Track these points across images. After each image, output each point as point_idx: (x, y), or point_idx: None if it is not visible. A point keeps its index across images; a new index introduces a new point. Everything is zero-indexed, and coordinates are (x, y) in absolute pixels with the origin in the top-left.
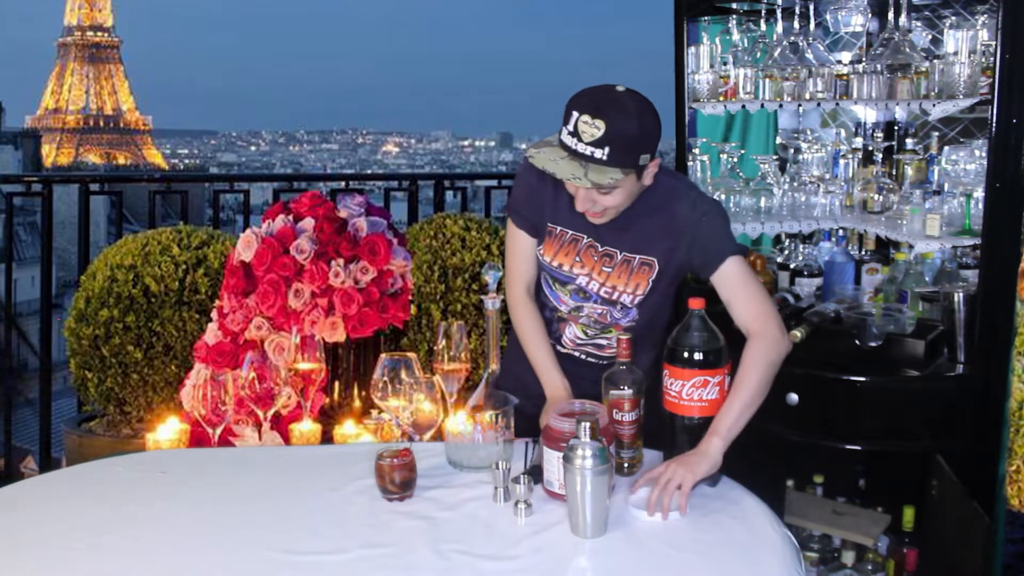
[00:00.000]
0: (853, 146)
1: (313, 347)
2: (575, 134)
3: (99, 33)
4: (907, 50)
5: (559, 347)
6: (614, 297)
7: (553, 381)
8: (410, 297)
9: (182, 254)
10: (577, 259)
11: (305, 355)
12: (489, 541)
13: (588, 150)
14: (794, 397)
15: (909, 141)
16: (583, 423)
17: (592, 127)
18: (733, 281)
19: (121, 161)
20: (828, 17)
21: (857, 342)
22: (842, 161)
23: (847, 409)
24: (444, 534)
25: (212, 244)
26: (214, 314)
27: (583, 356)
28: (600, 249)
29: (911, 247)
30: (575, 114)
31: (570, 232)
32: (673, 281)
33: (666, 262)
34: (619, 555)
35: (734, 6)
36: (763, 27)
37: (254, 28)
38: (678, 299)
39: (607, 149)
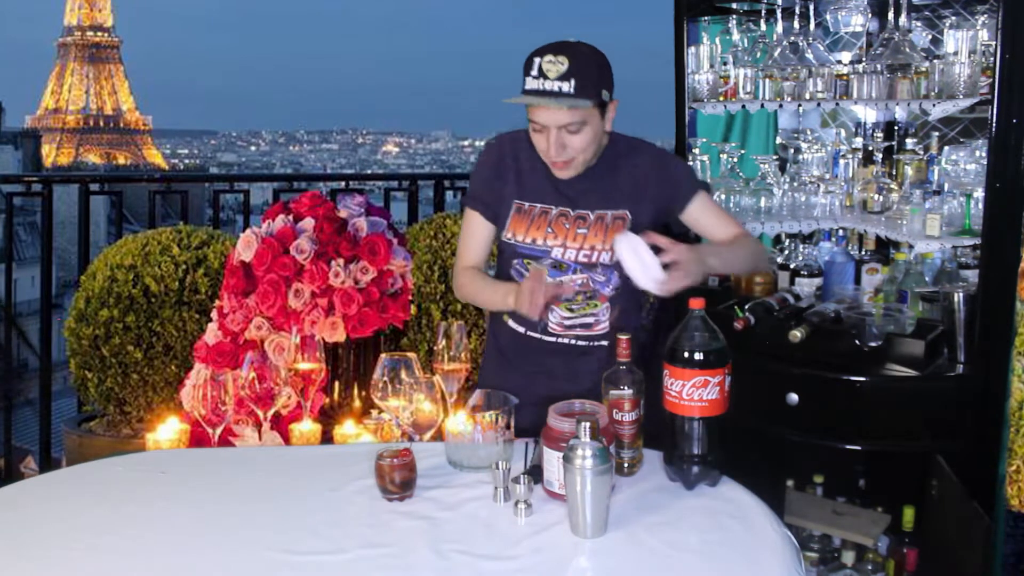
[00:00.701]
0: (853, 146)
1: (313, 347)
2: (541, 74)
3: (99, 33)
4: (907, 50)
5: (548, 338)
6: (593, 259)
7: (507, 286)
8: (410, 297)
9: (182, 254)
10: (549, 230)
11: (305, 355)
12: (489, 541)
13: (556, 85)
14: (794, 397)
15: (909, 141)
16: (583, 423)
17: (556, 64)
18: (709, 211)
19: (121, 161)
20: (828, 17)
21: (857, 342)
22: (842, 161)
23: (847, 409)
24: (444, 534)
25: (212, 244)
26: (214, 314)
27: (573, 341)
28: (572, 214)
29: (911, 247)
30: (536, 59)
31: (539, 206)
32: (650, 229)
33: (637, 212)
34: (619, 555)
35: (734, 6)
36: (763, 27)
37: (254, 28)
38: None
39: (573, 81)
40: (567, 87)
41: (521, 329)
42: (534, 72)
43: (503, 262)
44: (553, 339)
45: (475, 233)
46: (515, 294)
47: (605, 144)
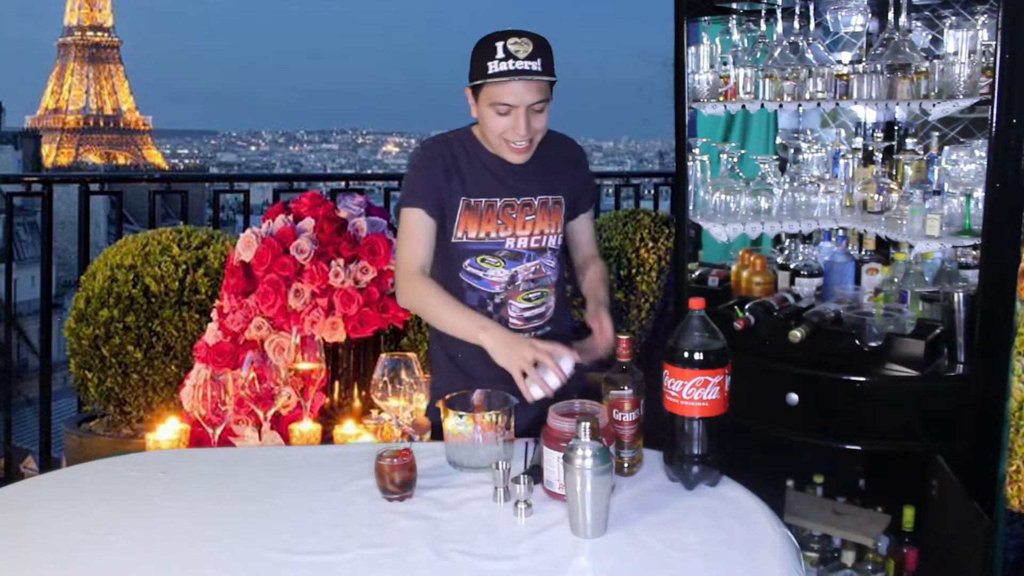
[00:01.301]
0: (853, 146)
1: (313, 347)
2: (509, 56)
3: (99, 33)
4: (907, 50)
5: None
6: (543, 244)
7: (479, 319)
8: None
9: (182, 254)
10: (499, 222)
11: (305, 355)
12: (489, 541)
13: (526, 64)
14: (794, 397)
15: (909, 141)
16: (583, 423)
17: (523, 44)
18: (590, 226)
19: (121, 161)
20: (828, 17)
21: (857, 342)
22: (842, 161)
23: (847, 409)
24: (444, 534)
25: (212, 244)
26: (214, 314)
27: (531, 333)
28: (518, 202)
29: (911, 247)
30: (499, 43)
31: (484, 200)
32: (566, 223)
33: (567, 196)
34: (619, 555)
35: (734, 6)
36: (763, 27)
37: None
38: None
39: (540, 60)
40: (536, 66)
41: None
42: (500, 55)
43: (449, 267)
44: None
45: (419, 232)
46: (502, 348)
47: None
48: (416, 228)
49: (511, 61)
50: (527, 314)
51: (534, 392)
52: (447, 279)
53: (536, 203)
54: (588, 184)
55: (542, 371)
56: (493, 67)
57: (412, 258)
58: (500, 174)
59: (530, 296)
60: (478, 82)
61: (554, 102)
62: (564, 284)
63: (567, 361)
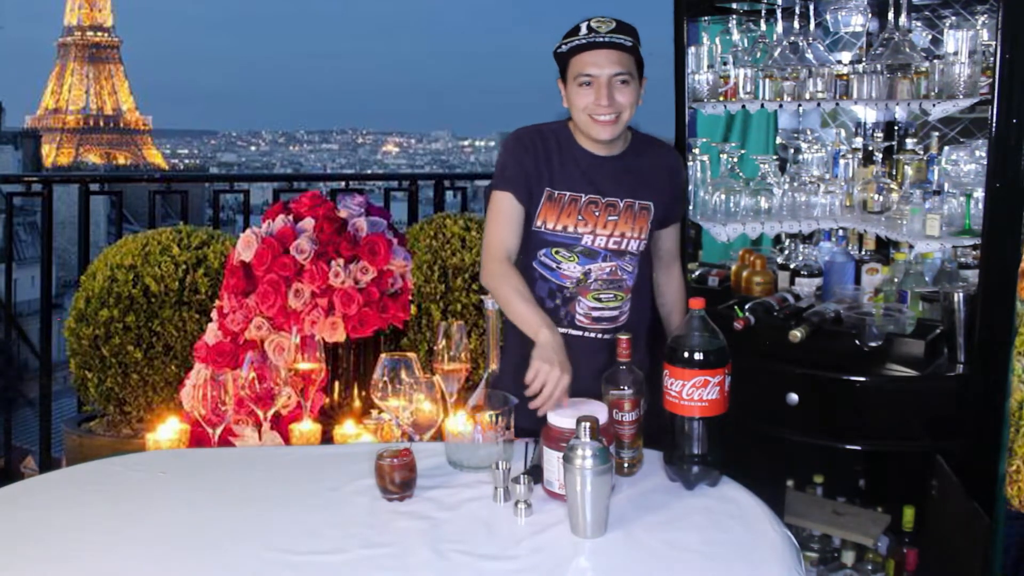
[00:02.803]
0: (853, 146)
1: (313, 347)
2: (592, 31)
3: (99, 33)
4: (907, 50)
5: (574, 332)
6: (622, 247)
7: (546, 319)
8: (410, 297)
9: (182, 254)
10: (580, 218)
11: (305, 355)
12: (489, 541)
13: (608, 37)
14: (794, 397)
15: (909, 141)
16: (583, 423)
17: (605, 22)
18: (675, 238)
19: (121, 161)
20: (828, 17)
21: (857, 342)
22: (842, 161)
23: (847, 409)
24: (444, 534)
25: (212, 244)
26: (214, 314)
27: (598, 335)
28: (603, 201)
29: (911, 247)
30: (583, 24)
31: (568, 193)
32: (654, 231)
33: (658, 204)
34: (619, 555)
35: (734, 6)
36: (763, 27)
37: (254, 28)
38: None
39: (623, 36)
40: (618, 38)
41: None
42: (583, 32)
43: (525, 253)
44: (580, 333)
45: (509, 216)
46: (547, 349)
47: (629, 137)
48: (505, 211)
49: (593, 35)
50: (595, 314)
51: (542, 407)
52: (521, 266)
53: (621, 205)
54: (681, 195)
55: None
56: (575, 41)
57: (499, 242)
58: (588, 171)
59: (601, 296)
60: (563, 53)
61: (553, 102)
62: (647, 293)
63: (600, 409)
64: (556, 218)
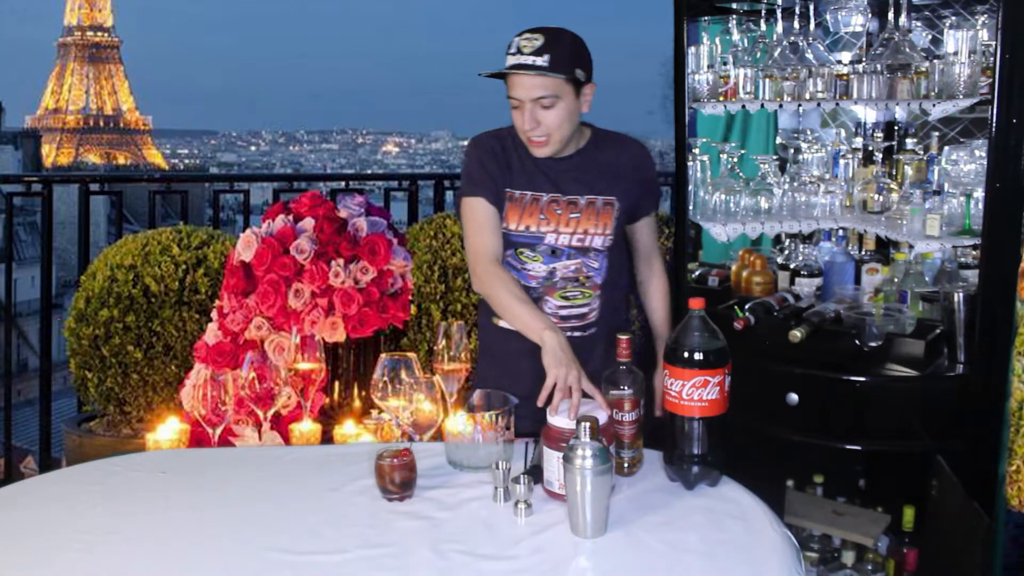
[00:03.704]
0: (853, 146)
1: (313, 347)
2: (517, 51)
3: (99, 33)
4: (907, 50)
5: None
6: (586, 243)
7: (548, 320)
8: (410, 297)
9: (182, 254)
10: (542, 217)
11: (305, 355)
12: (489, 541)
13: (529, 59)
14: (794, 397)
15: (909, 141)
16: (583, 423)
17: (532, 40)
18: (653, 231)
19: (121, 161)
20: (828, 17)
21: (857, 342)
22: (842, 161)
23: (847, 409)
24: (444, 534)
25: (212, 244)
26: (214, 314)
27: (568, 333)
28: (563, 199)
29: (911, 247)
30: (514, 42)
31: (530, 194)
32: (624, 223)
33: (623, 200)
34: (619, 555)
35: (734, 6)
36: (763, 27)
37: (254, 28)
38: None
39: (547, 56)
40: (540, 61)
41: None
42: (512, 50)
43: None
44: None
45: (486, 219)
46: (555, 352)
47: (588, 135)
48: (481, 215)
49: (517, 56)
50: (563, 312)
51: (552, 414)
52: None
53: (582, 202)
54: (652, 187)
55: (565, 403)
56: (505, 61)
57: (483, 247)
58: (547, 171)
59: (568, 295)
60: (492, 72)
61: None
62: (620, 289)
63: (601, 413)
64: (519, 219)
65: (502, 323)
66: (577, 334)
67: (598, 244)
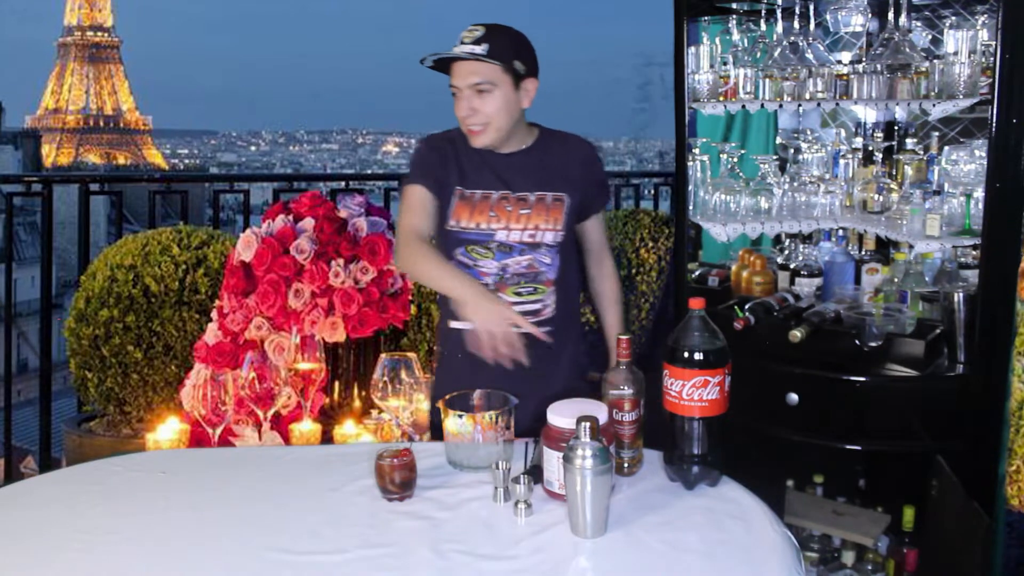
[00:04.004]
0: (853, 146)
1: (313, 347)
2: (459, 43)
3: (99, 33)
4: (907, 50)
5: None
6: (537, 239)
7: (473, 280)
8: (410, 297)
9: (182, 254)
10: (492, 214)
11: (305, 355)
12: (489, 541)
13: (468, 48)
14: (794, 397)
15: (909, 141)
16: (583, 423)
17: (472, 32)
18: (601, 229)
19: (121, 161)
20: (828, 17)
21: (857, 342)
22: (842, 161)
23: (847, 409)
24: (444, 534)
25: (212, 244)
26: (214, 314)
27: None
28: (513, 196)
29: (911, 247)
30: (461, 32)
31: (480, 192)
32: (575, 220)
33: (573, 197)
34: (619, 555)
35: (734, 6)
36: (763, 27)
37: (254, 28)
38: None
39: (485, 45)
40: (478, 49)
41: (469, 325)
42: (455, 44)
43: (444, 254)
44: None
45: (420, 204)
46: (474, 304)
47: (536, 133)
48: (417, 200)
49: (459, 47)
50: (517, 309)
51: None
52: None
53: (532, 198)
54: (600, 185)
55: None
56: (441, 55)
57: (412, 227)
58: (497, 168)
59: (520, 291)
60: (431, 55)
61: (554, 102)
62: (573, 285)
63: (600, 411)
64: (469, 216)
65: (455, 325)
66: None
67: (549, 240)
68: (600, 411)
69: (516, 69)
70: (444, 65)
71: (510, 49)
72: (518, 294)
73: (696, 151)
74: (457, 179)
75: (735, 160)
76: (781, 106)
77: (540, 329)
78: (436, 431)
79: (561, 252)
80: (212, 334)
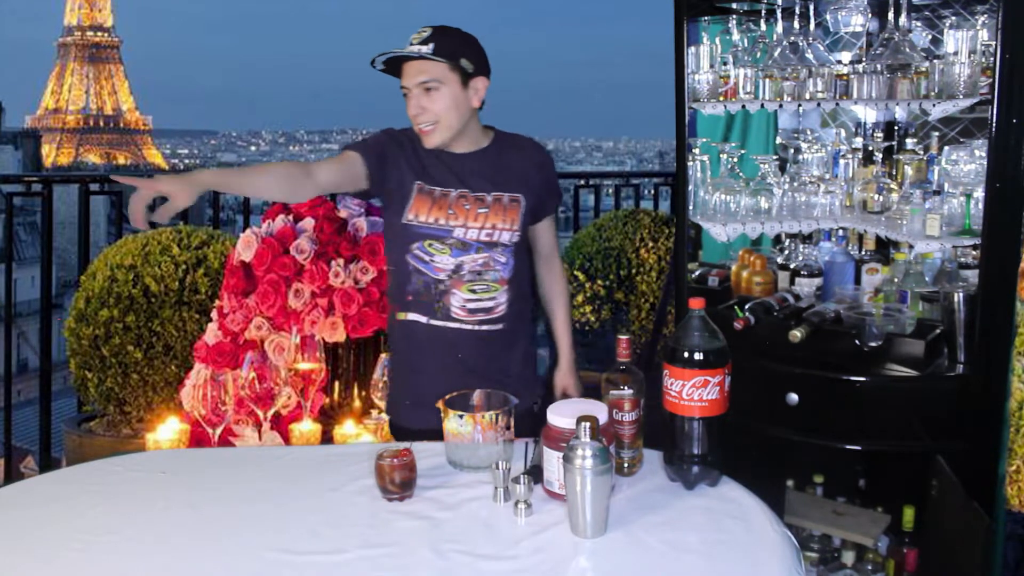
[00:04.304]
0: (853, 146)
1: (313, 347)
2: (408, 45)
3: (99, 33)
4: (907, 50)
5: (451, 324)
6: (494, 238)
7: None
8: None
9: (182, 254)
10: (451, 211)
11: (305, 355)
12: (489, 541)
13: (415, 49)
14: (794, 397)
15: (909, 141)
16: (583, 423)
17: (420, 33)
18: (552, 231)
19: (121, 161)
20: (828, 17)
21: (857, 342)
22: (842, 161)
23: (847, 409)
24: (444, 534)
25: (212, 244)
26: (214, 314)
27: (475, 326)
28: (471, 195)
29: (911, 247)
30: (410, 36)
31: (439, 188)
32: (529, 222)
33: (528, 197)
34: (619, 555)
35: (734, 6)
36: (763, 27)
37: (254, 28)
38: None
39: (432, 45)
40: (425, 49)
41: (423, 319)
42: (406, 45)
43: (399, 248)
44: (456, 325)
45: (338, 160)
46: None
47: (492, 135)
48: (340, 158)
49: (405, 48)
50: (471, 306)
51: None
52: (397, 260)
53: (489, 198)
54: (553, 188)
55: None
56: (389, 54)
57: (308, 163)
58: (455, 168)
59: (475, 288)
60: (381, 55)
61: (554, 101)
62: (525, 284)
63: (600, 409)
64: (428, 211)
65: (401, 316)
66: (486, 327)
67: (505, 239)
68: (600, 411)
69: (463, 67)
70: (396, 69)
71: (456, 48)
72: (472, 291)
73: (696, 151)
74: (417, 174)
75: (735, 160)
76: (781, 106)
77: (493, 327)
78: (398, 433)
79: (516, 253)
80: (212, 334)
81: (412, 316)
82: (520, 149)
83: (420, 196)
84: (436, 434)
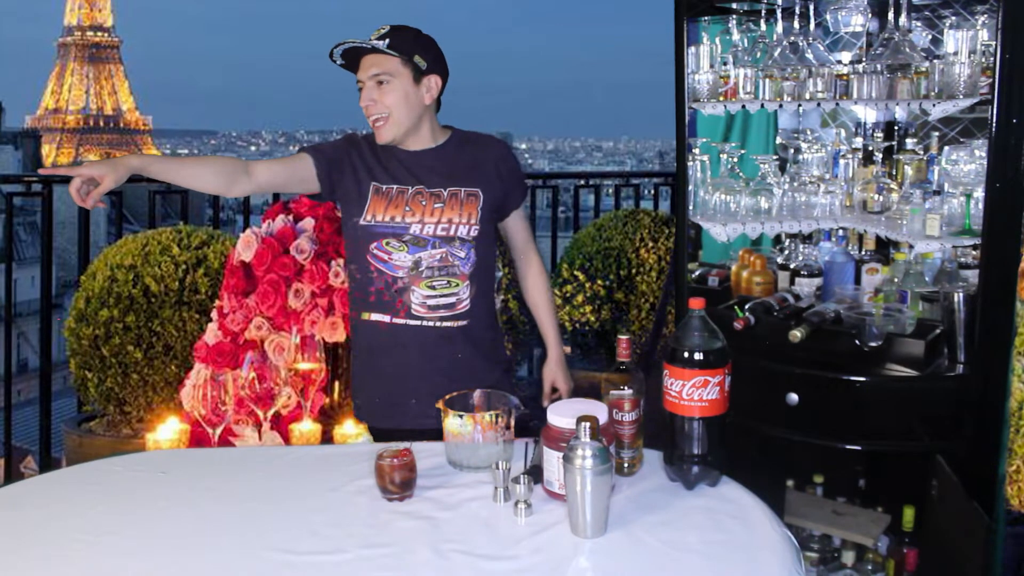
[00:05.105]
0: (853, 146)
1: (313, 347)
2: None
3: (99, 33)
4: (907, 50)
5: (412, 322)
6: (451, 233)
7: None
8: None
9: (182, 254)
10: (407, 208)
11: (305, 355)
12: (489, 541)
13: (372, 43)
14: (794, 397)
15: (909, 141)
16: (583, 423)
17: (379, 30)
18: (524, 224)
19: None
20: (828, 17)
21: (857, 342)
22: (842, 161)
23: (847, 409)
24: (444, 534)
25: (212, 244)
26: (214, 314)
27: (437, 323)
28: (427, 191)
29: (911, 247)
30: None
31: (396, 187)
32: (493, 217)
33: (487, 191)
34: (619, 555)
35: (734, 6)
36: (763, 27)
37: (254, 28)
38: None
39: (387, 40)
40: (381, 44)
41: (386, 319)
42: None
43: (359, 249)
44: (417, 323)
45: (287, 160)
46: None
47: (450, 133)
48: (290, 159)
49: (363, 42)
50: (431, 302)
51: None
52: (357, 262)
53: (445, 194)
54: (517, 181)
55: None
56: (344, 46)
57: (256, 163)
58: (411, 166)
59: (434, 284)
60: (338, 45)
61: (553, 102)
62: (489, 280)
63: (600, 409)
64: (384, 210)
65: (365, 317)
66: (448, 324)
67: (463, 233)
68: (600, 411)
69: (416, 64)
70: (354, 66)
71: (410, 44)
72: (432, 287)
73: (696, 151)
74: (372, 175)
75: (735, 160)
76: (781, 106)
77: (455, 323)
78: (375, 434)
79: (477, 248)
80: (212, 334)
81: (375, 316)
82: (478, 145)
83: (376, 197)
84: (406, 435)
